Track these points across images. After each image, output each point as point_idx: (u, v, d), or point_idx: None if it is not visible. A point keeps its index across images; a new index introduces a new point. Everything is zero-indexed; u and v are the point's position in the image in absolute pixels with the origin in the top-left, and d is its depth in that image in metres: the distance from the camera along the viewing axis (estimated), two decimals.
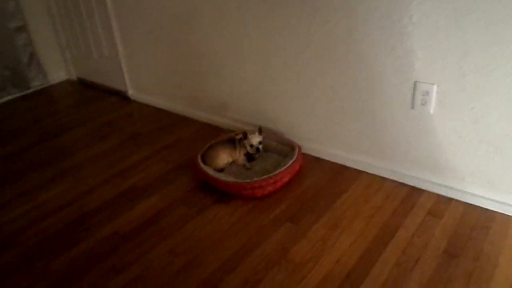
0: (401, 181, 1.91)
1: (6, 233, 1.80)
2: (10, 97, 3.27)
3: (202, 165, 1.99)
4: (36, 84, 3.38)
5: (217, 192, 1.92)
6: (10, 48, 3.15)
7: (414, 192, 1.84)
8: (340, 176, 2.00)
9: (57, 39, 3.43)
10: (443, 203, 1.77)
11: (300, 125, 2.17)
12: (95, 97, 3.22)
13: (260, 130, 2.07)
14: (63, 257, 1.64)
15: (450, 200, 1.78)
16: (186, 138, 2.49)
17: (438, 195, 1.81)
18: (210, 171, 1.95)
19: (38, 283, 1.53)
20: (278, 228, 1.69)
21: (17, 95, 3.30)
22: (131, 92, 3.11)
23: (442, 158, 1.76)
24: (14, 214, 1.92)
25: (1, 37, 3.09)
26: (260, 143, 2.05)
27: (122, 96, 3.16)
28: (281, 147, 2.14)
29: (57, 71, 3.53)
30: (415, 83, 1.69)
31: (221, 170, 2.03)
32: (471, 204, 1.75)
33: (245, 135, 2.04)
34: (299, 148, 2.06)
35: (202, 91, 2.59)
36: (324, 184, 1.95)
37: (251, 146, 2.04)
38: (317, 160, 2.14)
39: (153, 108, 2.94)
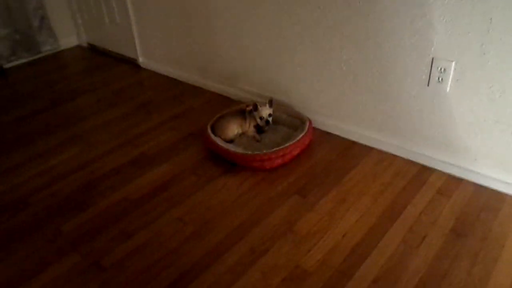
0: (411, 159, 1.90)
1: (18, 195, 1.84)
2: (20, 61, 3.27)
3: (211, 135, 1.99)
4: (47, 48, 3.37)
5: (226, 163, 1.93)
6: (21, 12, 3.12)
7: (425, 170, 1.83)
8: (350, 151, 2.00)
9: (69, 3, 3.39)
10: (453, 183, 1.76)
11: (312, 99, 2.15)
12: (105, 64, 3.21)
13: (271, 102, 2.05)
14: (74, 220, 1.68)
15: (460, 180, 1.77)
16: (197, 108, 2.49)
17: (449, 175, 1.80)
18: (219, 142, 1.95)
19: (50, 244, 1.57)
20: (286, 201, 1.71)
21: (28, 59, 3.30)
22: (142, 60, 3.09)
23: (456, 137, 1.74)
24: (26, 177, 1.95)
25: (12, 0, 3.06)
26: (270, 115, 2.04)
27: (133, 63, 3.14)
28: (291, 120, 2.13)
29: (68, 36, 3.51)
30: (432, 59, 1.65)
31: (230, 141, 2.03)
32: (481, 185, 1.74)
33: (255, 107, 2.03)
34: (310, 121, 2.05)
35: (213, 61, 2.56)
36: (334, 158, 1.95)
37: (261, 118, 2.03)
38: (328, 134, 2.13)
39: (163, 76, 2.93)
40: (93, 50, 3.48)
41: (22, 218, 1.70)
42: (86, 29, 3.47)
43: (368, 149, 1.99)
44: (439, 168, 1.83)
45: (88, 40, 3.52)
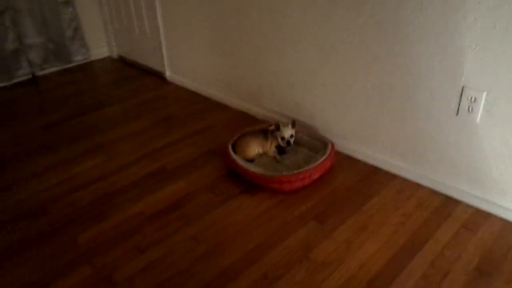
0: (436, 189, 1.83)
1: (37, 203, 1.86)
2: (52, 70, 3.37)
3: (232, 153, 1.98)
4: (78, 58, 3.46)
5: (245, 182, 1.91)
6: (56, 22, 3.23)
7: (450, 202, 1.76)
8: (372, 178, 1.94)
9: (101, 14, 3.49)
10: (479, 217, 1.68)
11: (336, 122, 2.12)
12: (133, 76, 3.27)
13: (294, 123, 2.03)
14: (90, 231, 1.68)
15: (488, 214, 1.69)
16: (219, 125, 2.49)
17: (475, 208, 1.72)
18: (239, 161, 1.94)
19: (63, 254, 1.58)
20: (303, 226, 1.67)
21: (59, 68, 3.40)
22: (168, 74, 3.13)
23: (484, 169, 1.67)
24: (47, 185, 1.98)
25: (48, 10, 3.17)
26: (291, 136, 2.02)
27: (159, 76, 3.19)
28: (313, 142, 2.10)
29: (99, 47, 3.60)
30: (463, 88, 1.60)
31: (251, 160, 2.02)
32: (510, 221, 1.65)
33: (277, 127, 2.01)
34: (332, 145, 2.01)
35: (239, 78, 2.57)
36: (355, 184, 1.90)
37: (283, 138, 2.01)
38: (350, 159, 2.09)
39: (188, 91, 2.95)
40: (123, 62, 3.55)
41: (39, 226, 1.72)
42: (117, 41, 3.56)
43: (391, 177, 1.94)
44: (465, 200, 1.76)
45: (118, 51, 3.61)
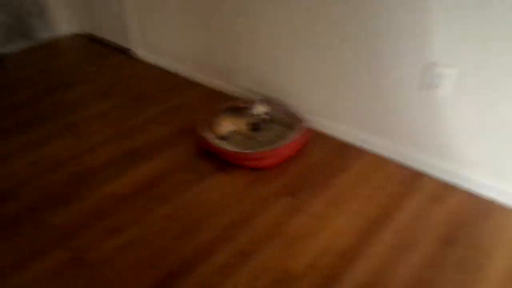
0: (404, 162, 1.89)
1: (7, 186, 1.82)
2: (16, 48, 3.22)
3: (205, 131, 1.97)
4: (43, 36, 3.33)
5: (219, 161, 1.92)
6: None
7: (417, 175, 1.83)
8: (344, 152, 1.99)
9: None
10: (445, 189, 1.75)
11: (308, 98, 2.14)
12: (102, 54, 3.17)
13: (267, 100, 2.04)
14: (63, 212, 1.66)
15: (453, 186, 1.77)
16: (191, 102, 2.47)
17: (441, 181, 1.80)
18: (213, 139, 1.94)
19: (37, 236, 1.56)
20: (278, 201, 1.70)
21: (24, 46, 3.26)
22: (138, 51, 3.06)
23: (450, 142, 1.74)
24: (17, 166, 1.93)
25: None
26: (265, 113, 2.03)
27: (129, 54, 3.11)
28: (286, 119, 2.12)
29: (65, 24, 3.46)
30: (428, 63, 1.64)
31: (224, 137, 2.02)
32: (474, 193, 1.74)
33: (251, 104, 2.02)
34: (305, 121, 2.04)
35: (211, 55, 2.54)
36: (327, 160, 1.94)
37: (256, 115, 2.02)
38: (322, 135, 2.12)
39: (160, 69, 2.90)
40: (90, 39, 3.43)
41: (10, 210, 1.69)
42: (83, 17, 3.42)
43: (362, 151, 1.99)
44: (431, 173, 1.83)
45: (85, 28, 3.48)
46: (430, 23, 1.57)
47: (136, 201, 1.71)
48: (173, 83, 2.70)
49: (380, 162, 1.91)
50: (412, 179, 1.81)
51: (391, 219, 1.60)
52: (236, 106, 2.12)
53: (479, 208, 1.66)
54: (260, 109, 2.02)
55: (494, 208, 1.66)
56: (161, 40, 2.83)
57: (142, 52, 3.04)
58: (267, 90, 2.30)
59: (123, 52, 3.14)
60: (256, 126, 2.08)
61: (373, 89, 1.86)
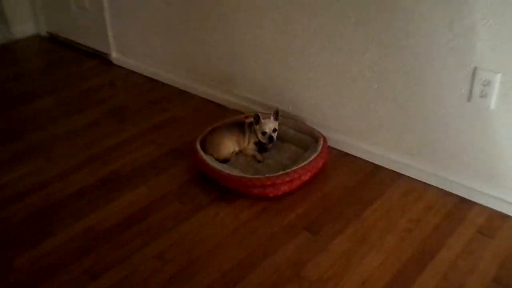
0: (448, 189, 1.93)
1: None
2: None
3: (201, 153, 2.02)
4: None
5: (219, 188, 1.96)
6: None
7: (463, 204, 1.87)
8: (373, 178, 2.04)
9: None
10: (497, 220, 1.79)
11: (328, 111, 2.19)
12: (70, 59, 3.24)
13: (277, 114, 2.08)
14: (27, 254, 1.69)
15: (506, 217, 1.81)
16: (183, 117, 2.53)
17: (492, 210, 1.84)
18: (211, 161, 1.99)
19: None
20: (293, 238, 1.73)
21: None
22: (115, 55, 3.13)
23: (501, 165, 1.79)
24: None
25: None
26: (275, 130, 2.08)
27: (103, 59, 3.18)
28: (301, 137, 2.17)
29: (23, 23, 3.53)
30: (474, 69, 1.70)
31: (225, 160, 2.07)
32: None
33: (257, 119, 2.07)
34: (324, 139, 2.09)
35: (205, 60, 2.60)
36: (353, 186, 1.99)
37: (264, 133, 2.07)
38: (346, 156, 2.17)
39: (142, 77, 2.96)
40: (55, 41, 3.51)
41: None
42: (46, 14, 3.50)
43: (395, 176, 2.03)
44: (480, 202, 1.87)
45: (49, 28, 3.55)
46: (473, 21, 1.64)
47: (119, 239, 1.75)
48: (159, 93, 2.76)
49: (418, 189, 1.96)
50: (457, 209, 1.85)
51: (433, 259, 1.63)
52: (240, 122, 2.17)
53: None
54: (269, 125, 2.07)
55: None
56: (144, 43, 2.89)
57: (120, 57, 3.10)
58: (276, 101, 2.35)
59: (97, 57, 3.21)
60: (264, 146, 2.13)
61: (407, 100, 1.92)
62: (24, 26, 3.56)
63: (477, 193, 1.87)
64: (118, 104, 2.67)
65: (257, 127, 2.08)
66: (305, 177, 1.95)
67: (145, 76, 2.96)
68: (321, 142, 2.06)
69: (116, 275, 1.60)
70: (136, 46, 2.96)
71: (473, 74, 1.71)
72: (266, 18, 2.22)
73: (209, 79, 2.64)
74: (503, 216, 1.81)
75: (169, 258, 1.66)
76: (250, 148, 2.13)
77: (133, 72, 3.02)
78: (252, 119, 2.09)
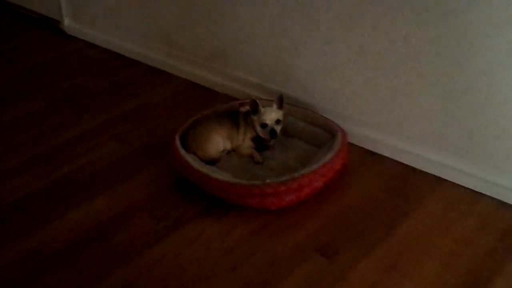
0: (505, 200, 1.93)
1: None
2: None
3: (182, 151, 2.01)
4: None
5: (204, 198, 1.96)
6: None
7: None
8: (407, 185, 2.03)
9: None
10: None
11: (348, 98, 2.19)
12: (11, 27, 3.23)
13: (281, 101, 2.08)
14: None
15: None
16: (158, 105, 2.53)
17: None
18: (195, 163, 1.98)
19: None
20: (301, 263, 1.73)
21: None
22: (68, 23, 3.12)
23: None
24: None
25: None
26: (278, 122, 2.07)
27: (53, 28, 3.17)
28: (313, 130, 2.17)
29: None
30: None
31: (213, 161, 2.07)
32: None
33: (255, 107, 2.06)
34: (343, 135, 2.08)
35: (186, 30, 2.60)
36: (380, 196, 1.99)
37: (264, 126, 2.06)
38: (372, 156, 2.17)
39: (103, 51, 2.96)
40: None
41: None
42: None
43: (436, 182, 2.03)
44: None
45: None
46: None
47: (73, 264, 1.74)
48: (127, 73, 2.75)
49: (466, 200, 1.95)
50: None
51: None
52: (232, 111, 2.16)
53: None
54: (271, 115, 2.06)
55: None
56: (105, 7, 2.88)
57: (74, 24, 3.10)
58: (281, 84, 2.35)
59: (45, 25, 3.20)
60: (264, 143, 2.12)
61: (454, 84, 1.91)
62: None
63: None
64: (72, 87, 2.66)
65: (255, 117, 2.08)
66: (318, 184, 1.94)
67: (108, 50, 2.95)
68: (339, 138, 2.05)
69: None
70: (96, 12, 2.96)
71: None
72: None
73: (192, 55, 2.63)
74: None
75: (140, 286, 1.66)
76: (246, 145, 2.12)
77: (91, 44, 3.02)
78: (248, 107, 2.09)
